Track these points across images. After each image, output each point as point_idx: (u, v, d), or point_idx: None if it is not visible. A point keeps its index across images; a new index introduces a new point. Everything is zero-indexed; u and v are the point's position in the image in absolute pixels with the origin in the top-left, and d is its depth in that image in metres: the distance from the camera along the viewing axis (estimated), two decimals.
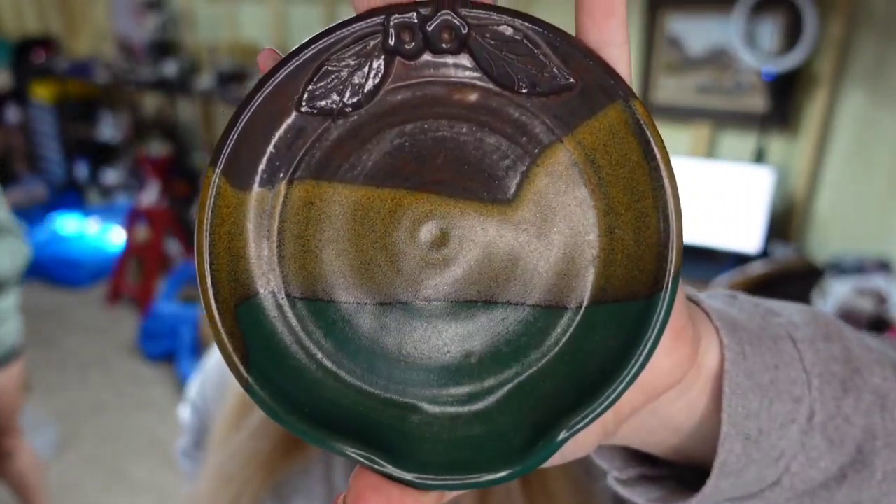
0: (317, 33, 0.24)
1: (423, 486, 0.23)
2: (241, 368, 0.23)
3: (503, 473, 0.23)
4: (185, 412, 0.70)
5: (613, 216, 0.25)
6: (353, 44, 0.24)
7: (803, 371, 0.28)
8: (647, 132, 0.25)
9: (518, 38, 0.26)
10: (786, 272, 1.77)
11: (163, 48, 4.25)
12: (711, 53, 2.51)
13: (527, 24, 0.26)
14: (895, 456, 0.29)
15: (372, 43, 0.24)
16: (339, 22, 0.23)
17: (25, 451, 1.94)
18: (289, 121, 0.24)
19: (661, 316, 0.24)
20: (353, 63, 0.24)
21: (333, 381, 0.25)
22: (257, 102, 0.23)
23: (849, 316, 1.97)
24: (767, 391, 0.28)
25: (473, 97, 0.25)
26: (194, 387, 0.70)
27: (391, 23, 0.23)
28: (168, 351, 3.11)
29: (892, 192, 2.30)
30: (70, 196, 4.85)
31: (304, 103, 0.24)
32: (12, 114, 5.06)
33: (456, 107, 0.25)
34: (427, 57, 0.24)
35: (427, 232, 0.25)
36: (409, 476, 0.23)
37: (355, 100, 0.24)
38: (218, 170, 0.24)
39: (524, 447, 0.23)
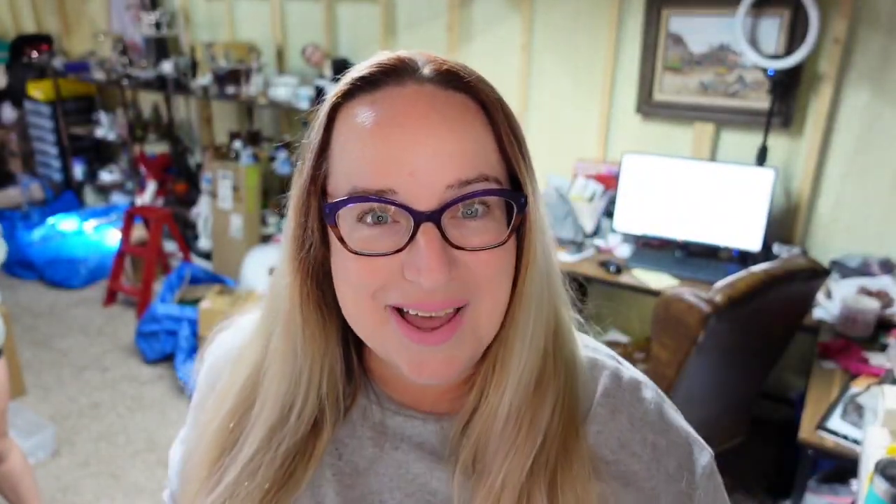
0: None
1: None
2: None
3: None
4: (175, 453, 0.68)
5: None
6: None
7: None
8: None
9: None
10: (791, 272, 1.76)
11: (160, 46, 4.23)
12: (714, 52, 2.49)
13: None
14: None
15: None
16: None
17: (15, 452, 1.92)
18: None
19: None
20: None
21: None
22: None
23: (853, 317, 1.96)
24: None
25: None
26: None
27: None
28: (166, 352, 3.10)
29: None
30: (67, 196, 4.83)
31: None
32: (8, 113, 5.03)
33: None
34: None
35: None
36: None
37: None
38: None
39: None
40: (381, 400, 0.56)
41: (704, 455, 0.56)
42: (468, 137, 0.46)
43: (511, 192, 0.48)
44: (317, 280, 0.52)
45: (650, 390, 0.58)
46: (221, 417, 0.57)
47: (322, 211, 0.49)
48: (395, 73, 0.48)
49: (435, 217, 0.45)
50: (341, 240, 0.47)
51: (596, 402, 0.55)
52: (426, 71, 0.48)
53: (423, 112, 0.46)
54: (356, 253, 0.46)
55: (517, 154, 0.49)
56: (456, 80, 0.48)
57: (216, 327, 0.67)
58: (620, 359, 0.61)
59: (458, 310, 0.48)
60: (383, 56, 0.49)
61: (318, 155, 0.49)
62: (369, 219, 0.46)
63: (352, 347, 0.56)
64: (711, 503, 0.56)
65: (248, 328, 0.61)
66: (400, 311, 0.48)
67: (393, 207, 0.45)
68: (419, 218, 0.45)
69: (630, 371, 0.59)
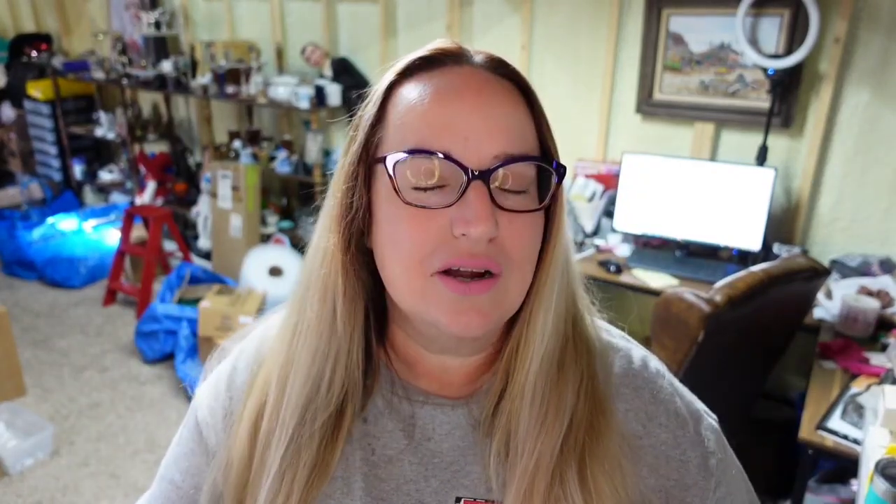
0: None
1: None
2: None
3: None
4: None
5: None
6: None
7: None
8: None
9: None
10: (791, 272, 1.76)
11: (160, 46, 4.23)
12: (714, 51, 2.49)
13: None
14: None
15: None
16: None
17: None
18: None
19: None
20: None
21: None
22: None
23: (854, 316, 1.96)
24: None
25: None
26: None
27: None
28: (165, 351, 3.09)
29: None
30: (66, 195, 4.82)
31: None
32: (7, 112, 5.03)
33: None
34: None
35: None
36: None
37: None
38: None
39: None
40: (408, 393, 0.58)
41: (711, 418, 0.62)
42: (514, 117, 0.51)
43: (552, 161, 0.53)
44: (358, 245, 0.55)
45: (659, 364, 0.64)
46: (268, 405, 0.58)
47: (370, 179, 0.53)
48: (453, 56, 0.53)
49: (485, 175, 0.49)
50: (397, 191, 0.49)
51: (619, 382, 0.60)
52: (478, 59, 0.54)
53: (477, 88, 0.51)
54: (410, 203, 0.49)
55: (551, 138, 0.55)
56: (503, 68, 0.54)
57: (212, 358, 0.67)
58: (628, 337, 0.66)
59: (489, 273, 0.50)
60: (443, 42, 0.54)
61: (373, 125, 0.53)
62: (421, 183, 0.50)
63: (373, 333, 0.59)
64: (725, 459, 0.61)
65: (253, 343, 0.65)
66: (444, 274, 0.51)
67: (446, 164, 0.49)
68: (471, 175, 0.48)
69: (639, 348, 0.64)
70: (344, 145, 0.56)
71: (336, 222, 0.54)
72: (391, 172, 0.49)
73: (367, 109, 0.54)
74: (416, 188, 0.50)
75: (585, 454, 0.54)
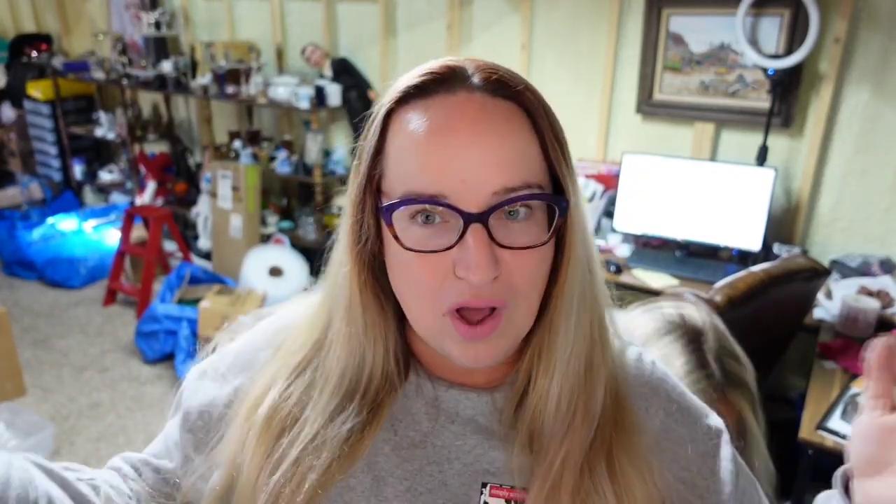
0: None
1: None
2: None
3: None
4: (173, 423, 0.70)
5: None
6: None
7: None
8: None
9: None
10: (791, 272, 1.76)
11: (160, 46, 4.23)
12: (714, 51, 2.49)
13: None
14: None
15: None
16: None
17: None
18: None
19: None
20: None
21: None
22: None
23: (854, 316, 1.96)
24: None
25: None
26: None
27: None
28: (165, 352, 3.09)
29: None
30: (66, 195, 4.82)
31: None
32: (8, 112, 5.02)
33: None
34: None
35: None
36: None
37: None
38: None
39: None
40: (432, 378, 0.59)
41: (714, 414, 0.64)
42: (515, 146, 0.50)
43: (553, 196, 0.52)
44: (373, 270, 0.56)
45: (662, 364, 0.66)
46: (274, 397, 0.59)
47: (377, 209, 0.53)
48: (445, 82, 0.51)
49: (483, 218, 0.48)
50: (396, 238, 0.50)
51: (636, 382, 0.61)
52: (476, 79, 0.51)
53: (472, 120, 0.49)
54: (410, 249, 0.50)
55: (559, 158, 0.52)
56: (504, 89, 0.51)
57: (215, 338, 0.69)
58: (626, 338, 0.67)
59: (496, 309, 0.51)
60: (434, 64, 0.52)
61: (374, 156, 0.52)
62: (420, 219, 0.50)
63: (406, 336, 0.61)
64: (730, 451, 0.62)
65: (265, 325, 0.68)
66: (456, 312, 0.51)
67: (444, 209, 0.49)
68: (468, 219, 0.48)
69: (644, 350, 0.66)
70: (351, 172, 0.55)
71: (348, 251, 0.55)
72: (389, 221, 0.50)
73: (368, 140, 0.53)
74: (416, 219, 0.50)
75: (613, 449, 0.55)
